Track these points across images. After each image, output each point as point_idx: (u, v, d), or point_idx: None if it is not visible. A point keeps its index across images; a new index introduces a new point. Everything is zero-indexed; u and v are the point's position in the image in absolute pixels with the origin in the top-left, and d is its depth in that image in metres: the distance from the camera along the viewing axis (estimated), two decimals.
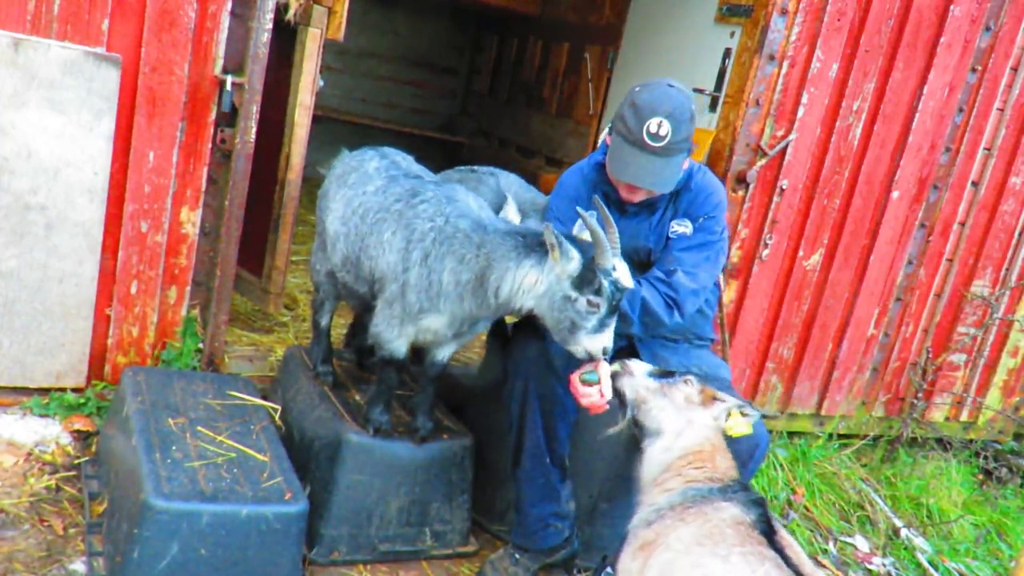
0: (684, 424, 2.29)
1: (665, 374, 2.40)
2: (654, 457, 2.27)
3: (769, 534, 1.95)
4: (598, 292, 2.32)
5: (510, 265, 2.43)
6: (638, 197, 2.80)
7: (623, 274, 2.37)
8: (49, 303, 2.94)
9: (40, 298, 2.93)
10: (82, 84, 2.77)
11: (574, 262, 2.34)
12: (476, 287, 2.49)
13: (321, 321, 3.14)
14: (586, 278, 2.33)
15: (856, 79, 3.78)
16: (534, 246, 2.43)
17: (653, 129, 2.60)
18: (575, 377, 2.48)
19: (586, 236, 2.44)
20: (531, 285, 2.42)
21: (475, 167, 3.59)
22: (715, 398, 2.33)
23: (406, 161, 2.94)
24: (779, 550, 1.92)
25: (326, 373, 3.08)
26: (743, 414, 2.30)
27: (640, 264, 2.93)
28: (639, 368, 2.42)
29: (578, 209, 2.42)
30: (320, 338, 3.14)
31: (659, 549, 2.01)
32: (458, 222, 2.53)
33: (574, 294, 2.35)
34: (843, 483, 4.17)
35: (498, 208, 3.12)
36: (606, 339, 2.40)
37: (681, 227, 2.85)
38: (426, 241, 2.53)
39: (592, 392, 2.45)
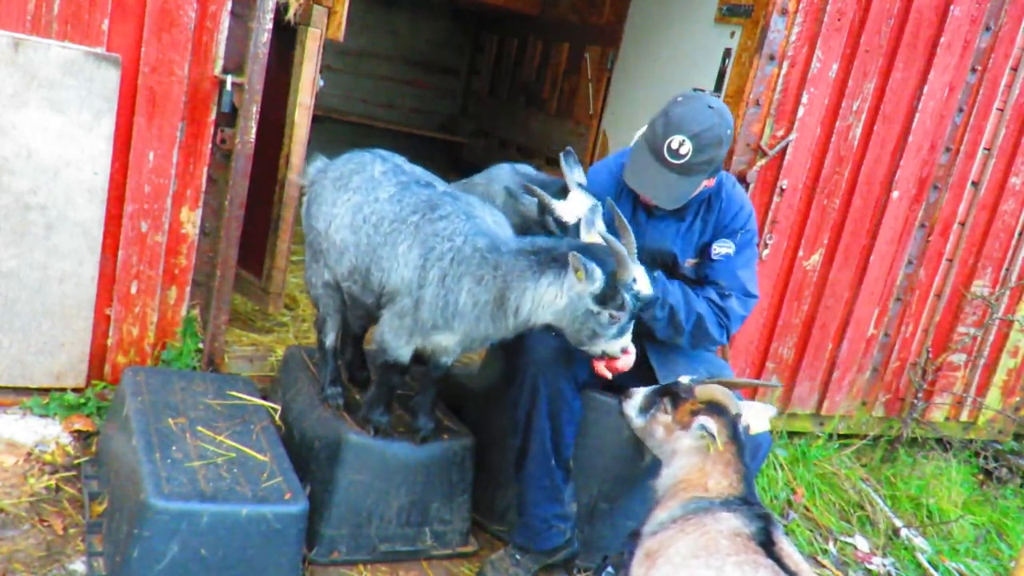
0: (669, 455, 2.28)
1: (653, 400, 2.35)
2: (660, 482, 2.27)
3: (768, 545, 1.93)
4: (621, 307, 2.35)
5: (528, 284, 2.42)
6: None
7: (643, 283, 2.39)
8: (49, 303, 2.94)
9: (40, 298, 2.93)
10: (82, 84, 2.77)
11: (598, 282, 2.33)
12: (495, 309, 2.48)
13: (326, 341, 2.99)
14: (609, 294, 2.34)
15: (856, 79, 3.78)
16: (549, 262, 2.41)
17: (674, 146, 2.61)
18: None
19: (596, 238, 2.45)
20: (550, 301, 2.42)
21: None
22: (694, 412, 2.22)
23: (408, 165, 2.88)
24: (776, 559, 1.89)
25: (335, 395, 2.94)
26: (708, 433, 2.15)
27: (663, 267, 2.92)
28: (630, 407, 2.40)
29: (605, 236, 2.38)
30: (327, 359, 2.99)
31: (660, 560, 2.01)
32: (476, 241, 2.49)
33: (596, 308, 2.36)
34: (843, 483, 4.17)
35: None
36: (625, 340, 2.45)
37: (724, 248, 2.87)
38: (444, 261, 2.49)
39: (617, 365, 2.56)
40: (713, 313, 2.81)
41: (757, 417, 2.29)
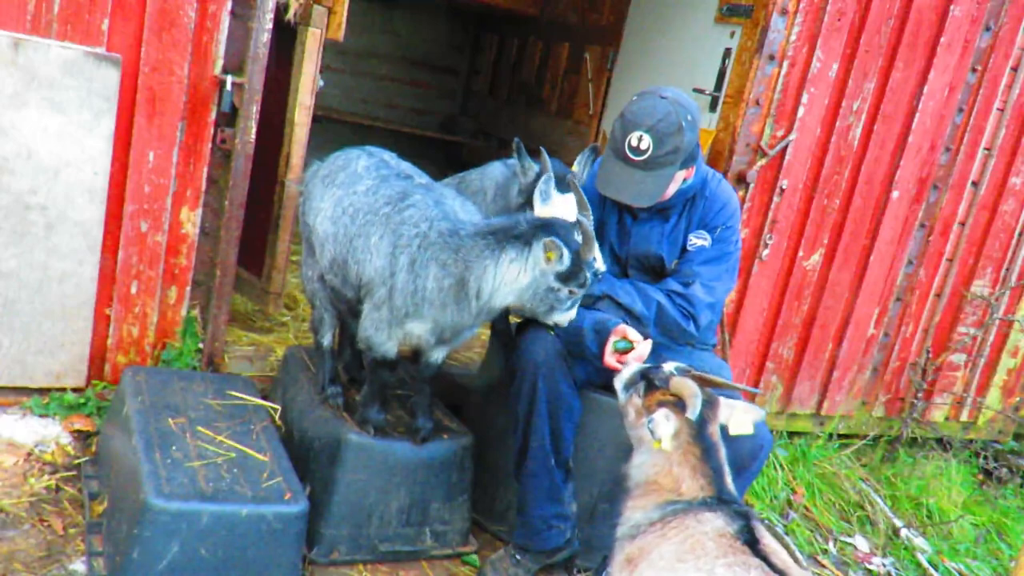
0: (637, 441, 2.20)
1: (636, 379, 2.27)
2: (631, 469, 2.17)
3: (753, 543, 1.89)
4: (582, 285, 2.45)
5: (488, 263, 2.45)
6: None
7: (600, 261, 2.48)
8: (49, 303, 2.94)
9: (40, 298, 2.92)
10: (82, 84, 2.77)
11: (566, 263, 2.40)
12: (457, 291, 2.50)
13: (323, 340, 3.01)
14: (573, 273, 2.42)
15: (856, 79, 3.78)
16: (510, 239, 2.44)
17: (634, 143, 2.61)
18: (609, 349, 2.60)
19: (549, 212, 2.54)
20: (513, 278, 2.45)
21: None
22: (660, 403, 2.08)
23: (395, 160, 2.90)
24: (763, 558, 1.85)
25: (335, 395, 2.95)
26: (651, 431, 2.02)
27: (651, 270, 2.92)
28: (619, 379, 2.35)
29: (580, 218, 2.44)
30: (325, 358, 3.01)
31: (643, 565, 1.95)
32: (440, 226, 2.53)
33: (558, 285, 2.44)
34: (843, 483, 4.17)
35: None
36: (573, 313, 2.55)
37: (699, 239, 2.84)
38: (412, 247, 2.52)
39: (628, 358, 2.56)
40: (673, 302, 2.77)
41: (739, 419, 2.17)
